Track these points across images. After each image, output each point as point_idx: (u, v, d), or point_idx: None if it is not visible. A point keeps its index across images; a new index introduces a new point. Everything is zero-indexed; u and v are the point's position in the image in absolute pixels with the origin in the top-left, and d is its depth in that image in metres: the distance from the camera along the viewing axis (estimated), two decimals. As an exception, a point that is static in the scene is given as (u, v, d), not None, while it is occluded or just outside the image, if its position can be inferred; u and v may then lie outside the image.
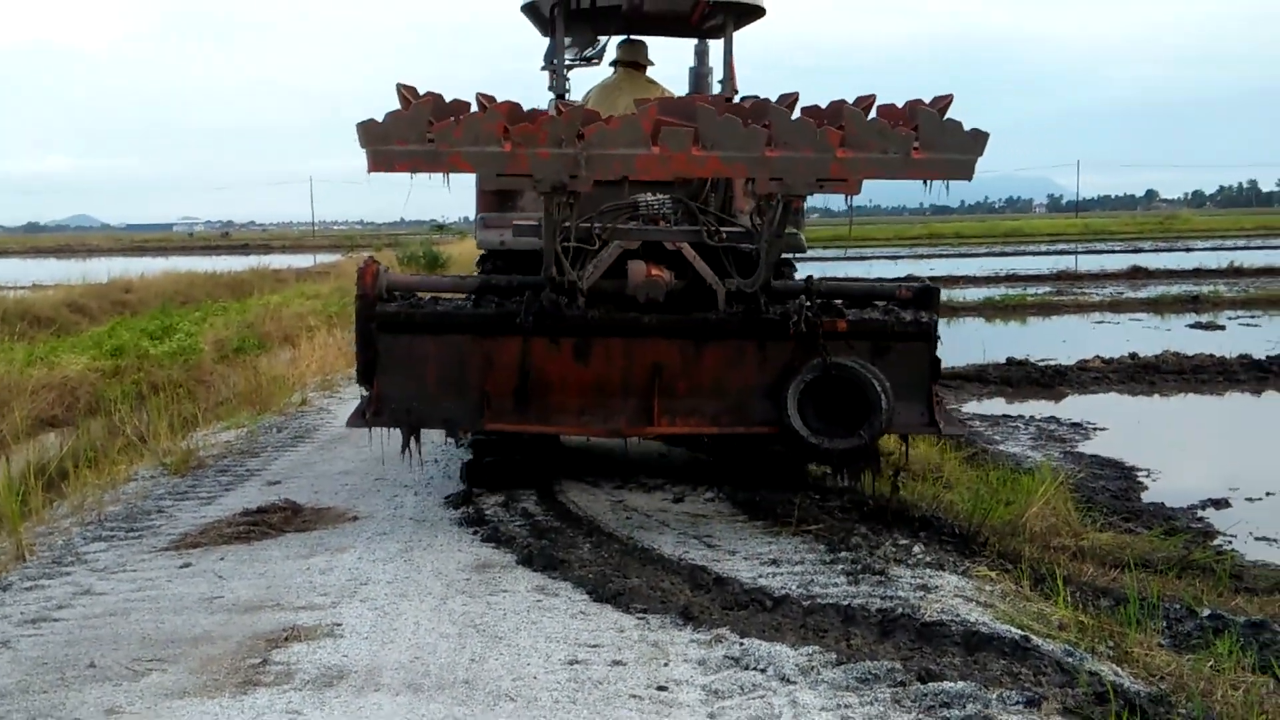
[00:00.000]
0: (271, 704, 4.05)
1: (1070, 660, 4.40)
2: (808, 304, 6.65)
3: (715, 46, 8.45)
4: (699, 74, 8.63)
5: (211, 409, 11.73)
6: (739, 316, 6.76)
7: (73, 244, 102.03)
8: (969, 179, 5.58)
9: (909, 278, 7.58)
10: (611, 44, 8.89)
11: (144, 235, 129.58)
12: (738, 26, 8.15)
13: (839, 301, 7.07)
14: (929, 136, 5.45)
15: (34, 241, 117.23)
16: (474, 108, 5.89)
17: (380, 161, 5.46)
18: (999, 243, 62.13)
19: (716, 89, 8.31)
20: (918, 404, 6.75)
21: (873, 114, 5.75)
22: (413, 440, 6.94)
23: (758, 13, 8.05)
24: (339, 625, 4.88)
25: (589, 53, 8.94)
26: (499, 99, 5.90)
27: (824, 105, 6.09)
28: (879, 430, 6.53)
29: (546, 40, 8.41)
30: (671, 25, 8.55)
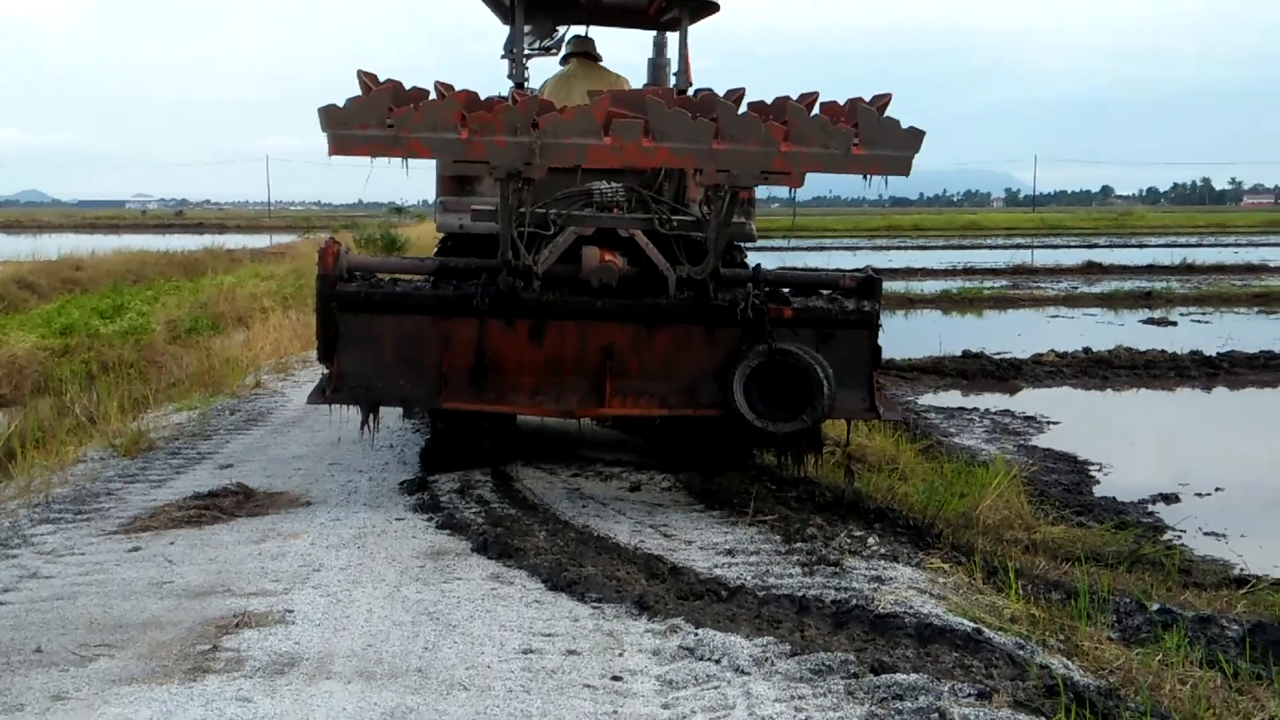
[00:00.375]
0: (221, 691, 4.00)
1: (1021, 653, 4.44)
2: (755, 291, 6.86)
3: (673, 38, 8.56)
4: (657, 65, 8.85)
5: (163, 390, 11.57)
6: (688, 302, 6.98)
7: (22, 220, 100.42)
8: (906, 174, 5.88)
9: (866, 268, 7.65)
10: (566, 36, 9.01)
11: (96, 212, 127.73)
12: (693, 20, 8.32)
13: (785, 290, 7.32)
14: (868, 133, 5.76)
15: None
16: (433, 95, 6.10)
17: (341, 145, 5.66)
18: (956, 235, 62.71)
19: (673, 80, 8.44)
20: (859, 390, 7.01)
21: (815, 110, 6.06)
22: (370, 419, 7.17)
23: (712, 8, 8.26)
24: (291, 612, 4.82)
25: (547, 43, 9.08)
26: (454, 84, 6.17)
27: (770, 100, 6.37)
28: (821, 414, 6.80)
29: (506, 28, 8.47)
30: (629, 17, 8.75)
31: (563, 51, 8.92)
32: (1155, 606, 5.61)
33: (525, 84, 8.25)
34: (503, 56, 8.45)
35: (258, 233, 69.04)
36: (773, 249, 42.17)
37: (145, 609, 4.90)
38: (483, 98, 6.19)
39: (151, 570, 5.46)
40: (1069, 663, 4.56)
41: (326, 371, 7.02)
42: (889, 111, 5.90)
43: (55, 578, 5.38)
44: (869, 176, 5.91)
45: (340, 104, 5.63)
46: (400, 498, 6.91)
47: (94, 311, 16.19)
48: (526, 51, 8.38)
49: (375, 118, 5.63)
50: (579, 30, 9.01)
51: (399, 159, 5.80)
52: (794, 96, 6.29)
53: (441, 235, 8.01)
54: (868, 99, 6.03)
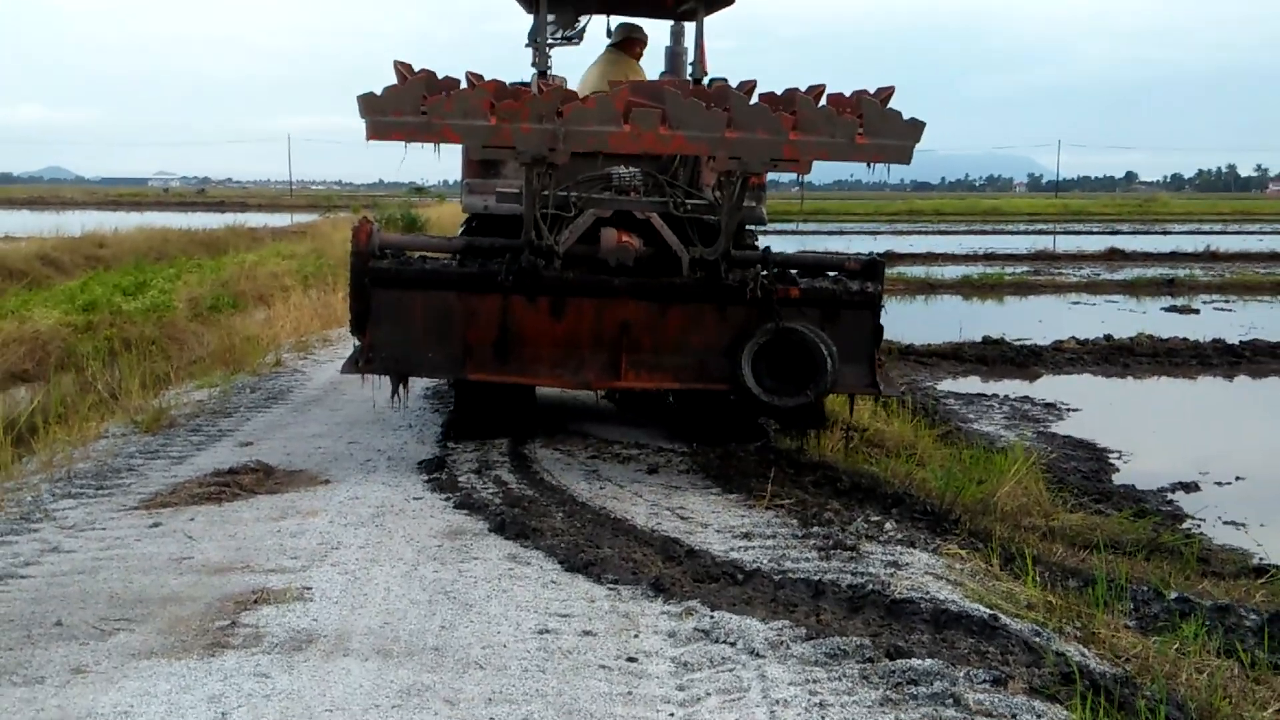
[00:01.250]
0: (240, 666, 4.03)
1: (1037, 640, 4.43)
2: (764, 272, 7.22)
3: (690, 28, 8.75)
4: (674, 54, 9.13)
5: (184, 367, 11.63)
6: (701, 282, 7.36)
7: (46, 196, 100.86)
8: (907, 163, 6.32)
9: (886, 253, 7.69)
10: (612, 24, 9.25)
11: (119, 189, 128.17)
12: (708, 12, 8.60)
13: (793, 271, 7.61)
14: (872, 124, 6.20)
15: (6, 193, 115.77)
16: (464, 85, 6.58)
17: (378, 131, 6.12)
18: (978, 221, 62.38)
19: (690, 69, 8.70)
20: (861, 367, 7.38)
21: (822, 102, 6.53)
22: (400, 389, 7.73)
23: (726, 1, 8.55)
24: (309, 589, 4.85)
25: (569, 32, 9.23)
26: (478, 72, 6.74)
27: (780, 92, 6.82)
28: (825, 390, 7.21)
29: (529, 18, 8.58)
30: (647, 7, 9.07)
31: (610, 39, 9.19)
32: (1173, 595, 5.58)
33: (549, 71, 8.46)
34: (527, 45, 8.59)
35: (279, 211, 69.22)
36: (792, 232, 42.14)
37: (165, 584, 4.94)
38: (493, 78, 6.70)
39: (172, 546, 5.50)
40: (1085, 650, 4.55)
41: (359, 343, 7.40)
42: (892, 103, 6.31)
43: (76, 552, 5.43)
44: (872, 165, 6.33)
45: (378, 92, 6.07)
46: (418, 477, 6.93)
47: (117, 288, 16.23)
48: (550, 40, 8.65)
49: (410, 105, 6.07)
50: (612, 19, 9.23)
51: (430, 144, 6.30)
52: (811, 81, 6.60)
53: (467, 215, 8.35)
54: (871, 91, 6.45)
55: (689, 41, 8.86)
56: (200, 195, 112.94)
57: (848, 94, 6.58)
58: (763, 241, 8.04)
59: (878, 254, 7.73)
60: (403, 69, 6.48)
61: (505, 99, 6.26)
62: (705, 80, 8.29)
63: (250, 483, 6.70)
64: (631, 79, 8.03)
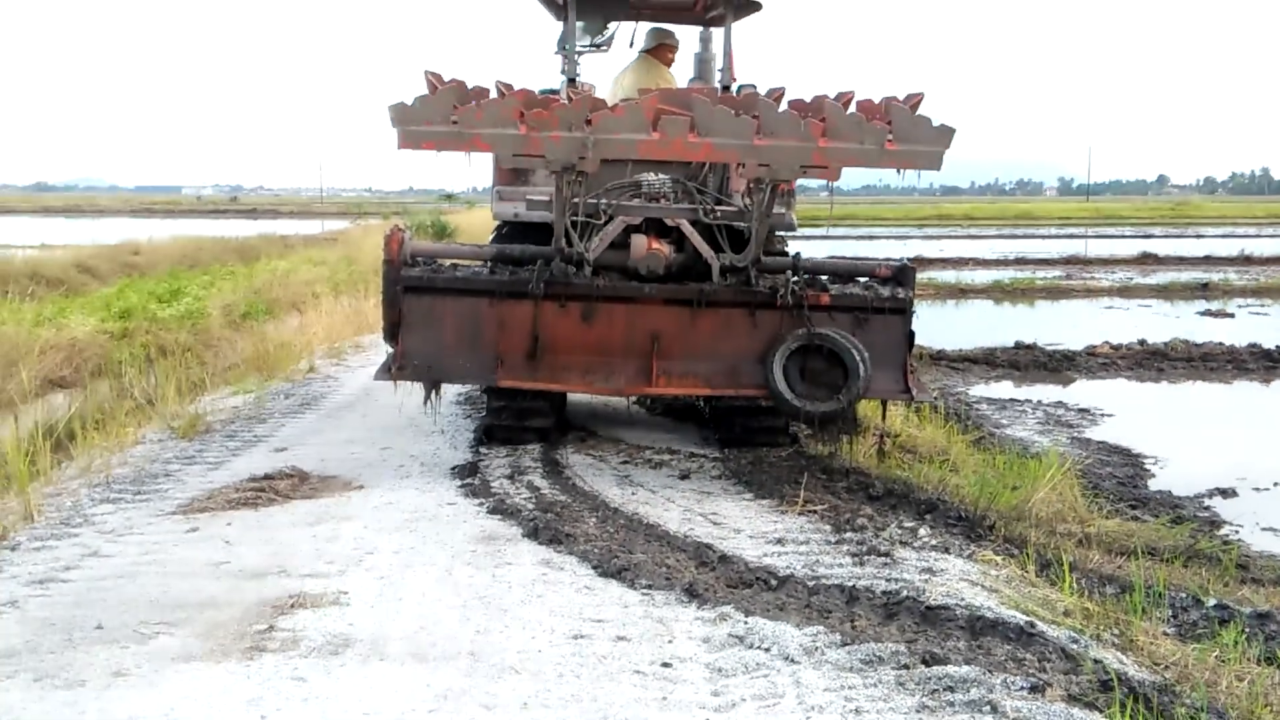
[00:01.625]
0: (278, 670, 4.07)
1: (1075, 647, 4.40)
2: (794, 279, 7.28)
3: (719, 34, 8.79)
4: (703, 59, 9.29)
5: (219, 373, 11.74)
6: (731, 288, 7.40)
7: (82, 204, 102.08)
8: (938, 169, 6.37)
9: (916, 257, 7.67)
10: (640, 31, 9.38)
11: (153, 197, 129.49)
12: (737, 18, 8.65)
13: (824, 277, 7.66)
14: (901, 130, 6.22)
15: (43, 201, 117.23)
16: (493, 94, 6.67)
17: (409, 140, 6.26)
18: (1009, 225, 62.02)
19: (719, 75, 8.77)
20: (893, 372, 7.36)
21: (851, 108, 6.57)
22: (432, 396, 7.76)
23: (755, 7, 8.62)
24: (345, 594, 4.89)
25: (599, 40, 9.31)
26: (508, 81, 6.79)
27: (809, 99, 6.84)
28: (857, 395, 7.18)
29: (558, 25, 8.77)
30: (676, 13, 9.13)
31: (641, 45, 9.29)
32: (1212, 602, 5.54)
33: (577, 79, 8.58)
34: (556, 52, 8.74)
35: (310, 218, 69.68)
36: (821, 238, 42.04)
37: (203, 589, 4.98)
38: (522, 86, 6.84)
39: (209, 550, 5.55)
40: (1124, 657, 4.52)
41: (391, 350, 7.48)
42: (921, 109, 6.34)
43: (116, 557, 5.49)
44: (902, 171, 6.34)
45: (409, 102, 6.20)
46: (451, 482, 6.96)
47: (152, 295, 16.40)
48: (579, 47, 8.79)
49: (441, 115, 6.19)
50: (642, 25, 9.32)
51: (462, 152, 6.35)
52: (838, 90, 6.72)
53: (498, 222, 8.44)
54: (902, 97, 6.48)
55: (717, 47, 8.90)
56: (233, 203, 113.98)
57: (877, 100, 6.59)
58: (792, 247, 8.06)
59: (908, 260, 7.70)
60: (433, 79, 6.56)
61: (535, 108, 6.30)
62: (734, 87, 8.37)
63: (285, 488, 6.75)
64: (663, 86, 8.01)
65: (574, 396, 8.59)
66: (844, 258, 8.53)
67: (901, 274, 7.58)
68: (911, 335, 7.48)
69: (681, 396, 8.18)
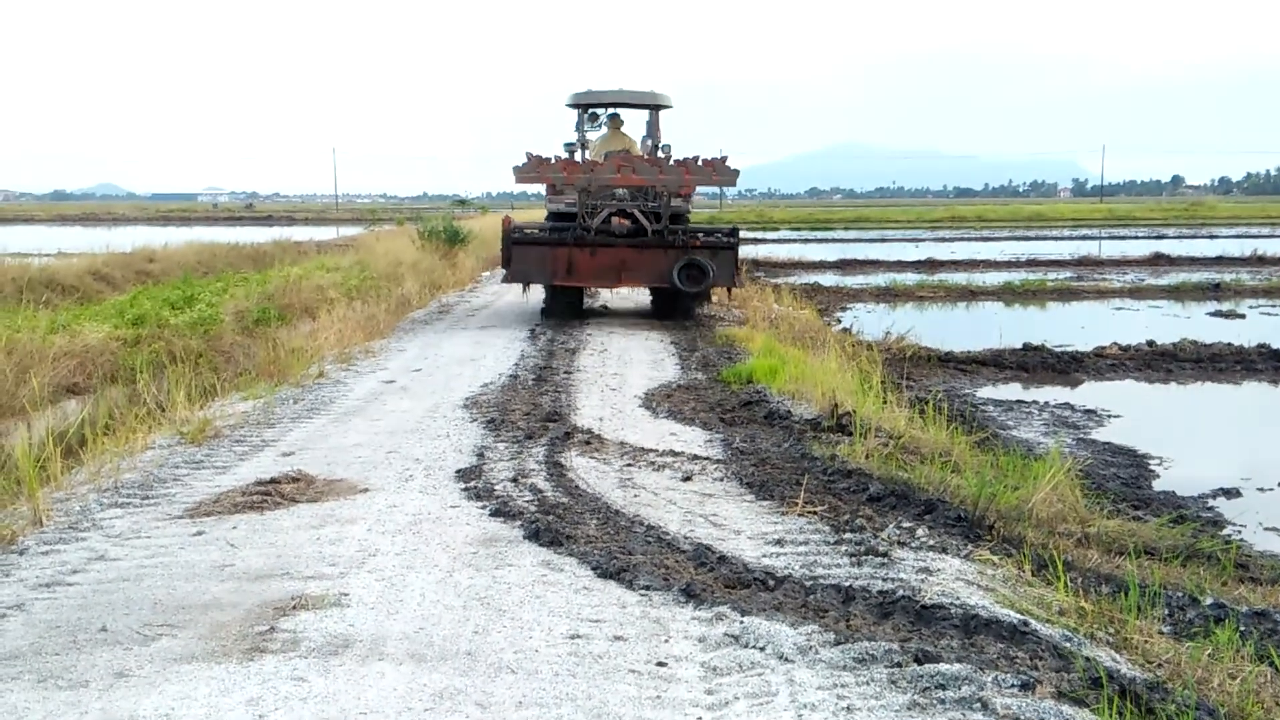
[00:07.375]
0: (278, 670, 4.13)
1: (1068, 645, 4.43)
2: (684, 234, 16.23)
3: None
4: (651, 125, 18.50)
5: (230, 379, 11.82)
6: (656, 239, 16.08)
7: (98, 212, 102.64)
8: (734, 185, 17.71)
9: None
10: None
11: (169, 205, 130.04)
12: (658, 111, 18.40)
13: (699, 234, 16.45)
14: (719, 169, 16.69)
15: (60, 209, 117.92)
16: (553, 159, 16.85)
17: (521, 179, 16.72)
18: (1021, 227, 61.92)
19: (656, 137, 18.47)
20: (728, 276, 16.24)
21: (700, 160, 16.59)
22: (525, 289, 18.29)
23: (669, 107, 18.28)
24: (346, 595, 4.95)
25: (589, 127, 18.50)
26: (538, 152, 17.03)
27: (684, 158, 16.98)
28: (710, 284, 16.22)
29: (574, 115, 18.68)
30: (632, 107, 18.88)
31: (603, 119, 19.02)
32: (1208, 601, 5.54)
33: (584, 147, 18.13)
34: (572, 140, 18.20)
35: (324, 224, 69.96)
36: (834, 240, 41.89)
37: (207, 591, 5.06)
38: (557, 154, 17.43)
39: (214, 553, 5.62)
40: (1116, 655, 4.54)
41: (505, 269, 16.70)
42: (728, 162, 16.82)
43: (122, 560, 5.57)
44: (718, 185, 17.92)
45: (520, 164, 16.50)
46: (455, 485, 7.02)
47: (165, 302, 16.51)
48: (586, 129, 18.41)
49: (533, 170, 16.62)
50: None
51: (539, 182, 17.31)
52: (710, 154, 16.61)
53: (547, 213, 17.48)
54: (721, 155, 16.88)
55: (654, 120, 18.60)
56: (248, 209, 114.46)
57: (708, 157, 16.66)
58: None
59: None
60: (532, 156, 16.53)
61: (568, 166, 16.69)
62: (659, 146, 17.93)
63: (291, 492, 6.82)
64: (624, 145, 18.42)
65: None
66: (710, 224, 21.00)
67: (732, 234, 16.48)
68: (737, 260, 16.46)
69: (634, 288, 18.86)
